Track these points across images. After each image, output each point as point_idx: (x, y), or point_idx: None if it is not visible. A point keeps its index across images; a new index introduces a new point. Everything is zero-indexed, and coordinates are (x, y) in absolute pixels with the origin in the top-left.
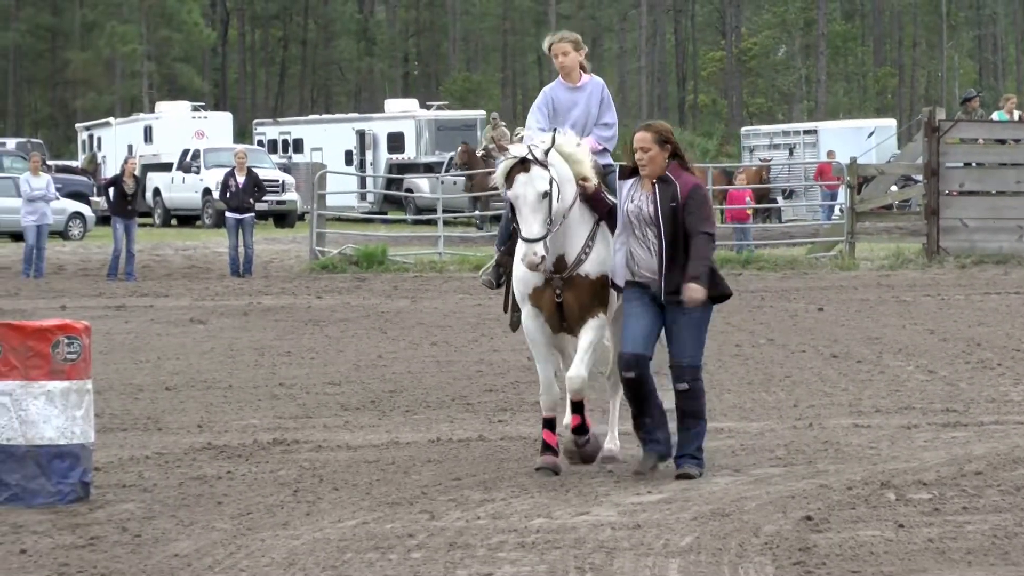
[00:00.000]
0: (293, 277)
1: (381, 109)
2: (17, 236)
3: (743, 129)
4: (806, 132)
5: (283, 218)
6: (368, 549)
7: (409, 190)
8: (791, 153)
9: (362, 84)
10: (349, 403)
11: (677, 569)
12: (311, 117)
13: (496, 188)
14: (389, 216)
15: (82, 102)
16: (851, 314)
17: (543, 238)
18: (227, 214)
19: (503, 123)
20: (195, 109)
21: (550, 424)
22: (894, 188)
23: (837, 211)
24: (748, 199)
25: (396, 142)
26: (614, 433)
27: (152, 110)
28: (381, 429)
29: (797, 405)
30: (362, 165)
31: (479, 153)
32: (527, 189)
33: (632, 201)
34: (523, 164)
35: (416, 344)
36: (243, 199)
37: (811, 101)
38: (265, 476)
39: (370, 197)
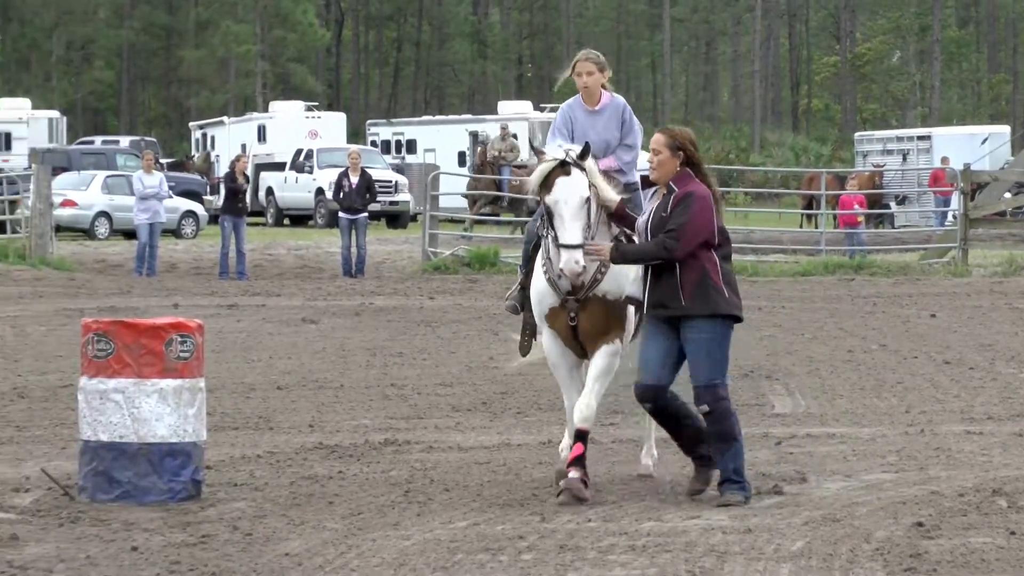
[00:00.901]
0: (405, 278)
1: (494, 111)
2: (130, 234)
3: (856, 135)
4: (920, 138)
5: (396, 219)
6: (478, 550)
7: None
8: (904, 159)
9: (475, 86)
10: (460, 404)
11: (788, 574)
12: (424, 118)
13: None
14: (502, 218)
15: (195, 101)
16: (963, 321)
17: (583, 245)
18: (340, 214)
19: (513, 134)
20: (309, 109)
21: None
22: (1008, 195)
23: (950, 217)
24: (858, 205)
25: None
26: (651, 447)
27: (266, 109)
28: (492, 431)
29: (909, 411)
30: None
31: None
32: (569, 193)
33: (644, 212)
34: (563, 167)
35: None
36: (356, 199)
37: (925, 107)
38: (376, 476)
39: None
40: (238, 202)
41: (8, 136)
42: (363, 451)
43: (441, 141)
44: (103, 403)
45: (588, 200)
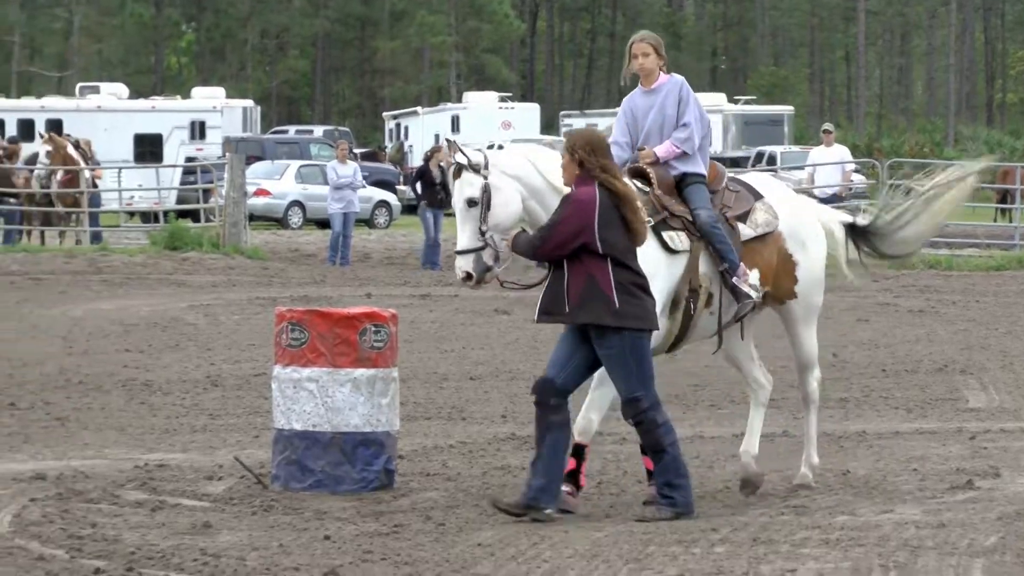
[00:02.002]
0: None
1: None
2: (323, 224)
3: None
4: None
5: None
6: (671, 543)
7: None
8: None
9: None
10: None
11: (981, 569)
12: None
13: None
14: None
15: (389, 91)
16: None
17: (469, 251)
18: None
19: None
20: (502, 100)
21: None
22: None
23: None
24: None
25: None
26: (811, 455)
27: (459, 100)
28: (685, 423)
29: None
30: None
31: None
32: (457, 196)
33: None
34: (459, 171)
35: None
36: None
37: None
38: None
39: None
40: (436, 193)
41: (203, 125)
42: None
43: None
44: (297, 392)
45: (475, 202)
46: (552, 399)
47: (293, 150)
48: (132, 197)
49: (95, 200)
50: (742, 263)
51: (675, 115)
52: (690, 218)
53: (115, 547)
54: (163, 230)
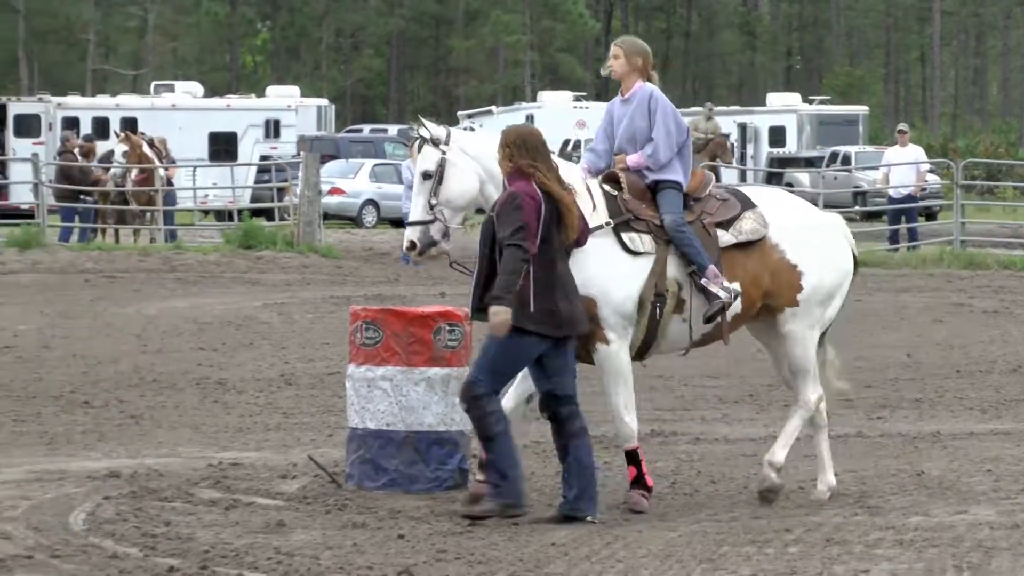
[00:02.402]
0: None
1: (763, 102)
2: (397, 223)
3: None
4: None
5: None
6: (745, 543)
7: (789, 184)
8: None
9: (744, 77)
10: (727, 396)
11: None
12: (693, 109)
13: None
14: None
15: (464, 90)
16: None
17: (418, 223)
18: None
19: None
20: (577, 99)
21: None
22: None
23: None
24: None
25: (777, 136)
26: (826, 475)
27: (534, 99)
28: (759, 423)
29: None
30: (743, 158)
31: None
32: (415, 168)
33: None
34: (420, 145)
35: None
36: None
37: None
38: None
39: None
40: None
41: (277, 124)
42: None
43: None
44: (371, 391)
45: (429, 175)
46: (562, 409)
47: (368, 149)
48: (207, 195)
49: (170, 198)
50: (713, 265)
51: (645, 128)
52: (658, 222)
53: (189, 545)
54: (237, 229)
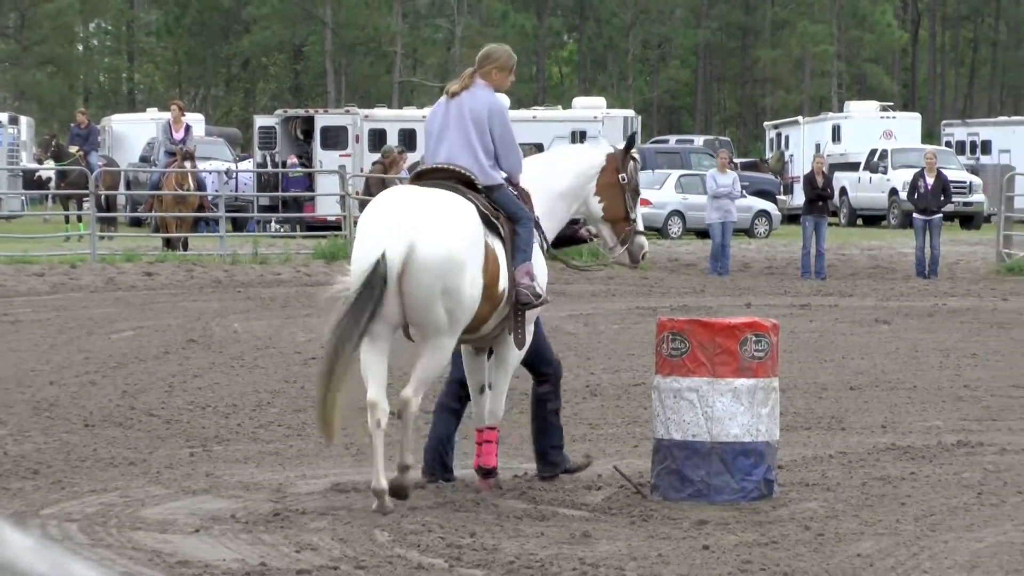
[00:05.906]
0: (979, 279)
1: None
2: (702, 233)
3: None
4: None
5: (969, 220)
6: None
7: None
8: None
9: None
10: None
11: None
12: (1000, 119)
13: None
14: None
15: (770, 100)
16: None
17: None
18: (914, 215)
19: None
20: (883, 109)
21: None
22: None
23: None
24: None
25: None
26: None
27: (841, 109)
28: None
29: None
30: None
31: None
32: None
33: None
34: None
35: None
36: (931, 201)
37: None
38: (948, 478)
39: None
40: (816, 202)
41: (583, 135)
42: (935, 452)
43: (1016, 142)
44: (677, 401)
45: None
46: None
47: (674, 160)
48: None
49: None
50: None
51: None
52: None
53: (494, 556)
54: None
